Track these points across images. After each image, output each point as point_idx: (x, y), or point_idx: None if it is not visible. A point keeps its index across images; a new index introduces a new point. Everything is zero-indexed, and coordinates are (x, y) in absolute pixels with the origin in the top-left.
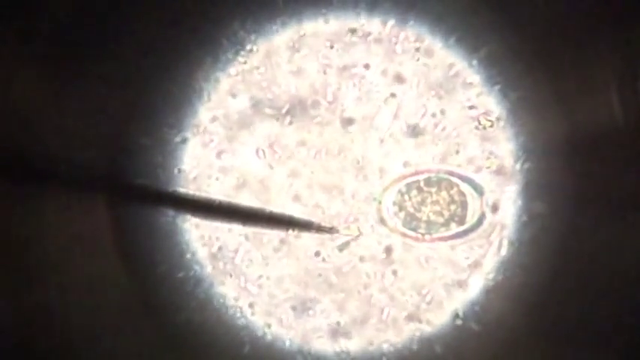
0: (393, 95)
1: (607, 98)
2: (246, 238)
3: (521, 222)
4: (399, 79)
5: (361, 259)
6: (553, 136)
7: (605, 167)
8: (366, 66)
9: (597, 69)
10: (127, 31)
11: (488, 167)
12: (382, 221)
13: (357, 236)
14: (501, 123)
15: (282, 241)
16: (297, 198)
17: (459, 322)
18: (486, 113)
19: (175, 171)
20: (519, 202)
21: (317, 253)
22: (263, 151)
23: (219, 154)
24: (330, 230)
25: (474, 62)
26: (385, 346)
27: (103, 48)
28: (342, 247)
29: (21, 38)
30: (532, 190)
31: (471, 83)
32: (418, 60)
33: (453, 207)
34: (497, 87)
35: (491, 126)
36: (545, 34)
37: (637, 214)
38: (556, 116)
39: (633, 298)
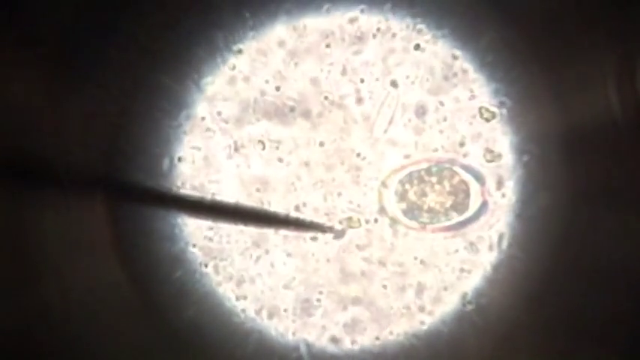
0: (394, 86)
1: (605, 93)
2: (247, 237)
3: (521, 214)
4: (400, 71)
5: (362, 249)
6: (552, 130)
7: (603, 161)
8: (367, 59)
9: (595, 64)
10: (126, 34)
11: (488, 158)
12: (384, 211)
13: (359, 227)
14: (501, 115)
15: (283, 239)
16: (298, 192)
17: (460, 313)
18: (486, 105)
19: (174, 171)
20: (519, 195)
21: (318, 249)
22: (263, 148)
23: (218, 154)
24: (331, 230)
25: (474, 56)
26: (386, 338)
27: (102, 50)
28: (343, 239)
29: (21, 42)
30: (532, 183)
31: (470, 77)
32: (418, 53)
33: (454, 197)
34: (496, 81)
35: (492, 117)
36: (543, 30)
37: (636, 208)
38: (555, 111)
39: (633, 292)
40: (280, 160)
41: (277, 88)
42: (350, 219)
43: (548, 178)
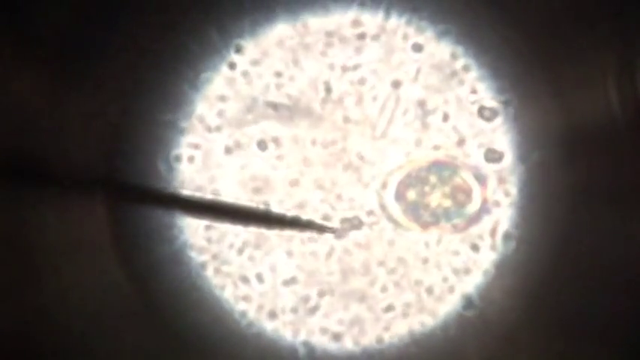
0: (395, 85)
1: (605, 93)
2: (246, 237)
3: (522, 214)
4: (401, 70)
5: (363, 249)
6: (552, 129)
7: (603, 161)
8: (367, 57)
9: (595, 64)
10: (125, 34)
11: (489, 158)
12: (384, 211)
13: (359, 227)
14: (503, 114)
15: (283, 239)
16: (298, 192)
17: (460, 314)
18: (488, 105)
19: (174, 171)
20: (520, 194)
21: (319, 249)
22: (263, 147)
23: (218, 154)
24: (331, 230)
25: (474, 57)
26: (387, 339)
27: (102, 50)
28: (343, 239)
29: (21, 42)
30: (532, 183)
31: (472, 75)
32: (418, 54)
33: (454, 197)
34: (498, 80)
35: (493, 117)
36: (543, 29)
37: (636, 208)
38: (555, 110)
39: (633, 293)
40: (280, 159)
41: (277, 88)
42: (350, 219)
43: (548, 178)
